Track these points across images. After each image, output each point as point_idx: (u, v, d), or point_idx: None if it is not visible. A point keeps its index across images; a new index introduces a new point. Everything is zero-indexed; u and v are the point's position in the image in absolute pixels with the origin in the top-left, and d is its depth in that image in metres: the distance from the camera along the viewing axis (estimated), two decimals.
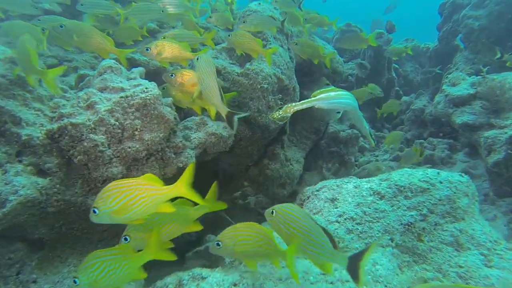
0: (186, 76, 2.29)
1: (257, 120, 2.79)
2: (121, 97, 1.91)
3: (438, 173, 1.71)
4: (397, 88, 6.14)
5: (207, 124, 2.72)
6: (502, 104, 2.63)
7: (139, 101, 1.93)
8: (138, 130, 1.96)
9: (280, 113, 2.71)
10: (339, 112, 3.09)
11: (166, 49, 2.51)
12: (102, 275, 1.18)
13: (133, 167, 1.99)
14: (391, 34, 5.46)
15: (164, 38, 2.56)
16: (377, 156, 4.99)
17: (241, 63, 3.06)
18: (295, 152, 4.02)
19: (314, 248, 1.14)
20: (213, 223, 3.44)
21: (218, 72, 2.80)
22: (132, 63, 2.76)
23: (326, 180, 4.17)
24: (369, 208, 1.60)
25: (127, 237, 1.35)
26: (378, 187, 1.68)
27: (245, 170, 3.46)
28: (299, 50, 3.04)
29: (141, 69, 2.33)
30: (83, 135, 1.72)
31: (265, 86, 2.71)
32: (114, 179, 1.87)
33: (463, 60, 3.95)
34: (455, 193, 1.64)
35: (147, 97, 1.96)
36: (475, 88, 2.91)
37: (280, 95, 2.88)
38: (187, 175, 1.34)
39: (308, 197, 1.87)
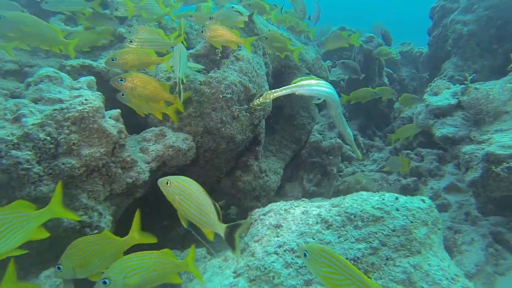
0: (137, 80, 2.14)
1: (220, 131, 2.62)
2: (55, 109, 1.76)
3: (397, 198, 1.52)
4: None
5: (166, 136, 2.56)
6: (484, 116, 2.43)
7: (75, 114, 1.78)
8: (76, 145, 1.81)
9: (260, 100, 2.64)
10: (319, 99, 2.95)
11: (132, 57, 2.37)
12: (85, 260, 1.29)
13: (70, 184, 1.83)
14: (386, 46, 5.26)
15: (131, 42, 2.42)
16: (365, 166, 4.78)
17: (210, 70, 2.90)
18: (274, 163, 3.84)
19: (202, 218, 1.28)
20: (180, 240, 3.27)
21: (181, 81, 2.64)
22: (90, 71, 2.61)
23: (307, 191, 4.02)
24: (313, 239, 1.42)
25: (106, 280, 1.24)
26: (327, 214, 1.50)
27: (217, 182, 3.29)
28: (267, 44, 2.88)
29: (90, 78, 2.18)
30: (1, 151, 1.57)
31: (228, 95, 2.55)
32: (45, 198, 1.72)
33: (452, 67, 3.75)
34: (412, 222, 1.45)
35: (85, 110, 1.81)
36: (457, 98, 2.71)
37: (246, 106, 2.71)
38: (136, 224, 1.42)
39: (255, 221, 1.69)
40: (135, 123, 2.74)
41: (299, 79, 2.60)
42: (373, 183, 3.39)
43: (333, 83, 6.33)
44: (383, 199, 1.50)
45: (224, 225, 1.24)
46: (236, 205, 3.34)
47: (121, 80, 2.08)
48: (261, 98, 2.75)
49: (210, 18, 2.53)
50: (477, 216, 2.61)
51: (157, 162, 2.50)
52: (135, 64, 2.40)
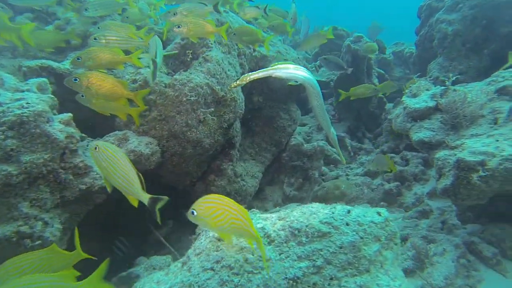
0: (92, 78, 2.03)
1: (186, 135, 2.51)
2: None
3: (348, 211, 1.40)
4: (381, 95, 5.80)
5: (128, 140, 2.46)
6: (461, 120, 2.31)
7: (12, 118, 1.68)
8: (14, 151, 1.70)
9: (237, 82, 2.60)
10: (296, 82, 2.85)
11: (99, 55, 2.27)
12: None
13: (8, 193, 1.72)
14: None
15: (95, 39, 2.31)
16: (351, 169, 4.66)
17: (179, 71, 2.79)
18: (252, 166, 3.72)
19: (127, 186, 1.35)
20: (147, 245, 3.17)
21: (146, 84, 2.54)
22: (50, 72, 2.51)
23: (288, 196, 3.90)
24: (253, 255, 1.31)
25: None
26: (271, 229, 1.39)
27: (191, 185, 3.18)
28: (237, 39, 2.76)
29: (41, 80, 2.07)
30: None
31: (193, 98, 2.43)
32: None
33: (437, 67, 3.61)
34: (362, 238, 1.33)
35: (24, 114, 1.70)
36: (436, 101, 2.58)
37: (212, 109, 2.59)
38: (99, 273, 1.28)
39: (200, 233, 1.58)
40: (108, 126, 2.64)
41: (276, 63, 2.58)
42: (352, 188, 3.26)
43: (323, 84, 6.21)
44: (333, 213, 1.38)
45: (148, 196, 1.32)
46: None
47: (75, 80, 1.98)
48: (238, 81, 2.72)
49: (174, 14, 2.42)
50: (454, 225, 2.48)
51: None
52: (101, 63, 2.29)
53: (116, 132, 2.51)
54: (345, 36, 7.61)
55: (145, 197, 1.32)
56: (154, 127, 2.53)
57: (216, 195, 1.26)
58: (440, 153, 2.10)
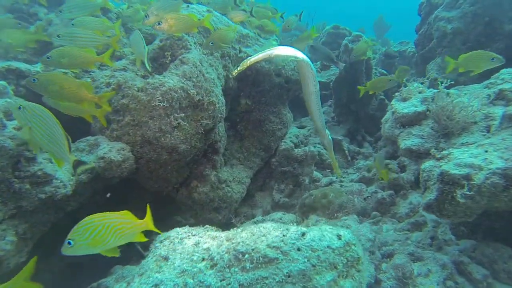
0: (53, 79, 1.95)
1: (160, 141, 2.40)
2: None
3: (303, 234, 1.25)
4: (382, 97, 5.57)
5: (99, 146, 2.37)
6: (452, 127, 2.11)
7: None
8: None
9: (238, 69, 2.60)
10: (296, 58, 2.75)
11: (70, 53, 2.19)
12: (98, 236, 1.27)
13: None
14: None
15: (59, 36, 2.24)
16: (348, 174, 4.46)
17: (158, 73, 2.68)
18: (240, 171, 3.59)
19: (53, 146, 1.40)
20: (124, 254, 3.06)
21: (119, 87, 2.44)
22: (19, 75, 2.44)
23: (277, 203, 3.74)
24: (193, 280, 1.18)
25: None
26: (215, 250, 1.25)
27: (175, 191, 3.07)
28: (217, 48, 2.69)
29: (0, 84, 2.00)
30: None
31: (163, 104, 2.32)
32: None
33: (436, 68, 3.38)
34: (314, 266, 1.18)
35: None
36: (427, 105, 2.39)
37: (187, 113, 2.47)
38: (25, 273, 1.46)
39: (151, 249, 1.47)
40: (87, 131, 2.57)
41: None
42: (342, 197, 3.09)
43: (323, 85, 6.01)
44: (284, 235, 1.24)
45: (74, 157, 1.40)
46: (193, 216, 3.11)
47: (34, 80, 1.89)
48: (239, 67, 2.72)
49: (146, 16, 2.31)
50: (446, 240, 2.28)
51: (88, 174, 2.31)
52: (72, 63, 2.22)
53: (88, 137, 2.43)
54: (347, 36, 7.40)
55: (71, 159, 1.40)
56: (127, 132, 2.43)
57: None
58: (426, 164, 1.92)
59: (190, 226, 3.21)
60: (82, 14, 2.63)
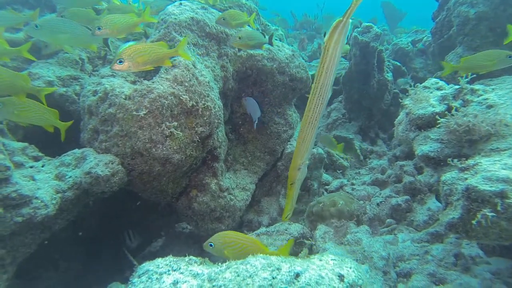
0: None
1: (151, 152, 2.21)
2: None
3: (297, 275, 1.04)
4: (396, 91, 5.24)
5: (85, 160, 2.20)
6: (478, 130, 1.83)
7: None
8: None
9: None
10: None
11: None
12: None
13: None
14: None
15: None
16: (360, 175, 4.19)
17: (150, 78, 2.49)
18: (244, 177, 3.38)
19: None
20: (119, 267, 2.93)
21: (106, 95, 2.26)
22: None
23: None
24: None
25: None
26: None
27: (175, 201, 2.90)
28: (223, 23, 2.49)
29: None
30: None
31: (152, 112, 2.12)
32: None
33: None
34: None
35: None
36: (446, 104, 2.11)
37: (180, 121, 2.27)
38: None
39: (127, 284, 1.28)
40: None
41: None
42: (353, 204, 2.84)
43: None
44: (274, 278, 1.02)
45: None
46: (194, 227, 2.94)
47: None
48: None
49: (99, 29, 2.10)
50: (472, 258, 2.02)
51: (75, 190, 2.15)
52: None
53: (75, 150, 2.27)
54: (358, 27, 7.04)
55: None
56: (116, 143, 2.26)
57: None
58: (447, 175, 1.66)
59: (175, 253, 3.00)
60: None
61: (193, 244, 3.46)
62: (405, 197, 2.98)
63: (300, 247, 2.77)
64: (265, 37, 2.77)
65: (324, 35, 1.37)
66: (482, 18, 2.89)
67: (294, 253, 2.66)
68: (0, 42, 1.96)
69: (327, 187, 3.75)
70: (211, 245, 1.62)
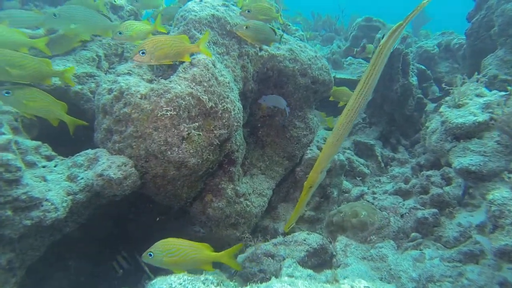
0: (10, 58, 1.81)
1: (166, 155, 2.10)
2: None
3: None
4: (420, 96, 5.01)
5: (98, 161, 2.11)
6: None
7: None
8: None
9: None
10: None
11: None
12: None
13: None
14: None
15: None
16: (381, 183, 3.99)
17: (167, 77, 2.39)
18: (261, 182, 3.24)
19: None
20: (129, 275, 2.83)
21: (121, 94, 2.16)
22: None
23: (302, 217, 3.36)
24: None
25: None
26: None
27: (189, 205, 2.79)
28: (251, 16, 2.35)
29: None
30: None
31: (169, 113, 2.01)
32: None
33: (496, 62, 2.81)
34: None
35: None
36: (490, 113, 1.91)
37: (198, 123, 2.15)
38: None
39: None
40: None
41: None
42: (376, 215, 2.66)
43: (353, 82, 5.49)
44: None
45: None
46: (208, 232, 2.82)
47: None
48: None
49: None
50: None
51: (87, 192, 2.06)
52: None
53: (88, 151, 2.18)
54: (381, 28, 6.80)
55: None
56: (130, 145, 2.16)
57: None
58: (496, 194, 1.47)
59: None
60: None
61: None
62: (433, 210, 2.77)
63: (319, 258, 2.61)
64: (276, 35, 2.62)
65: (382, 38, 1.24)
66: None
67: (313, 266, 2.51)
68: (19, 32, 1.93)
69: (346, 195, 3.57)
70: (150, 255, 1.69)
